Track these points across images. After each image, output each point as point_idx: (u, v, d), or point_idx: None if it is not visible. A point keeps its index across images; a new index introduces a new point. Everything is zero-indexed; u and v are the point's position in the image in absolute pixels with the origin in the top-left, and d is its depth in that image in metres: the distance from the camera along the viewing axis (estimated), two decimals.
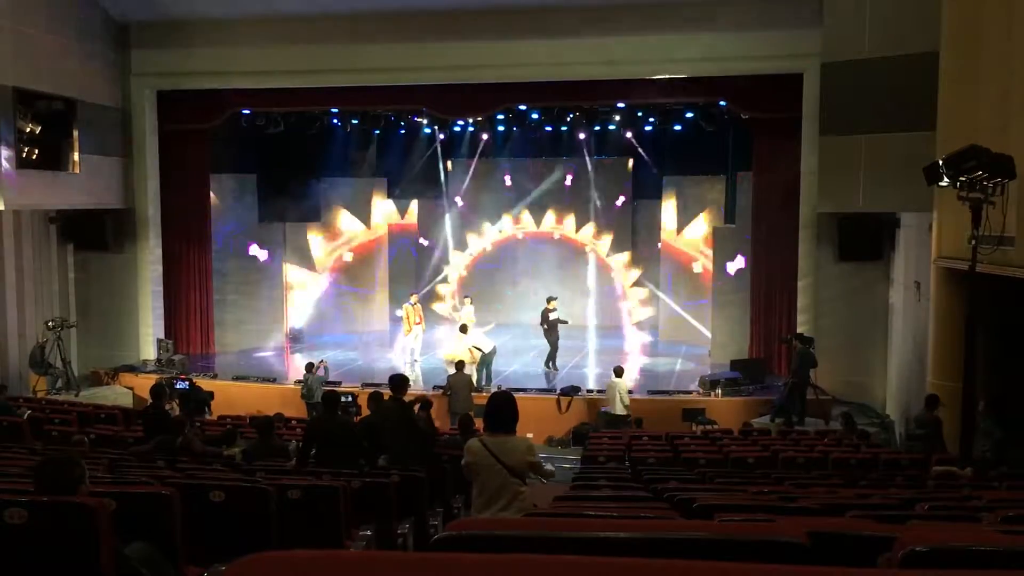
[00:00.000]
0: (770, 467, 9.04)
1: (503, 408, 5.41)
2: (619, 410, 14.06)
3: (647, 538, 2.18)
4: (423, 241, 23.30)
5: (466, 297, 19.46)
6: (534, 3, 16.14)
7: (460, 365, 14.60)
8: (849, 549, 3.12)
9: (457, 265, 23.12)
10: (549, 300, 17.74)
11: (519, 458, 5.23)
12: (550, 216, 22.65)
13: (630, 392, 14.49)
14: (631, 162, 21.69)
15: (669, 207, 20.97)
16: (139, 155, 17.92)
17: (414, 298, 19.16)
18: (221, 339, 19.62)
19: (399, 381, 8.84)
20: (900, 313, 14.81)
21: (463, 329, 16.70)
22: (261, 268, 20.40)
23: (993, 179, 8.29)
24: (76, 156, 16.40)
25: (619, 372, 14.43)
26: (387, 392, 9.47)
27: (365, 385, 15.40)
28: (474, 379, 15.37)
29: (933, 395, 11.00)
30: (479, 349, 16.27)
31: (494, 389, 14.34)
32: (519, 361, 18.24)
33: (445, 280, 23.13)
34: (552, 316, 17.45)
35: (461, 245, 23.06)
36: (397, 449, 8.23)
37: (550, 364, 17.58)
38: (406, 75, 17.01)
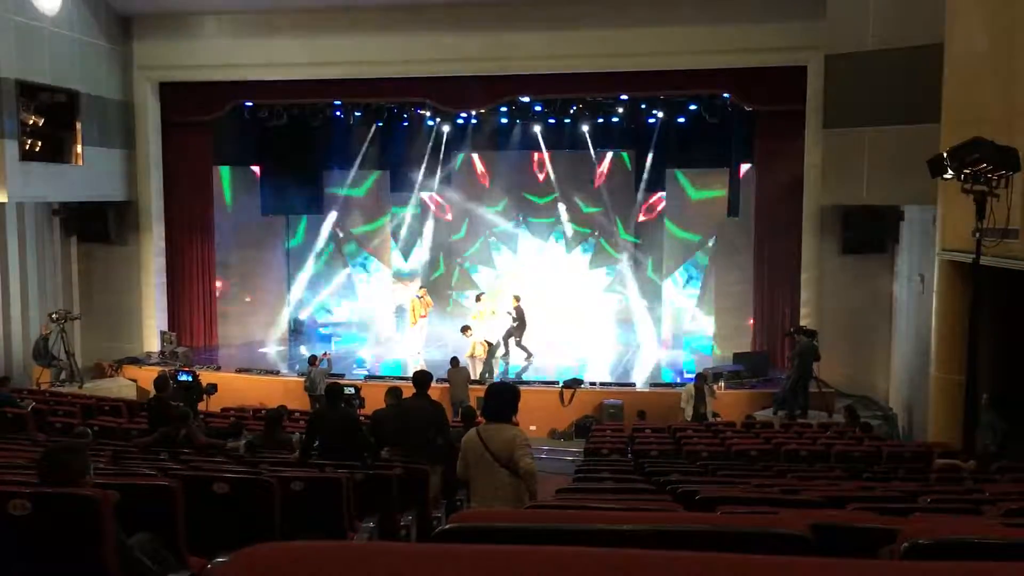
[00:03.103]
0: (773, 460, 9.05)
1: (498, 397, 5.47)
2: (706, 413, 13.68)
3: (650, 530, 2.18)
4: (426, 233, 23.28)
5: (481, 294, 19.34)
6: None
7: (455, 361, 14.79)
8: (851, 541, 3.11)
9: (461, 260, 23.09)
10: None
11: (503, 445, 5.25)
12: (552, 209, 22.59)
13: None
14: (634, 154, 21.64)
15: (673, 199, 20.92)
16: (142, 147, 17.94)
17: (421, 290, 19.17)
18: (224, 331, 19.65)
19: (423, 378, 8.67)
20: (904, 306, 14.79)
21: (464, 330, 16.62)
22: (264, 260, 20.41)
23: (997, 171, 8.27)
24: (79, 148, 16.42)
25: (705, 377, 14.11)
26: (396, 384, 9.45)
27: (368, 378, 15.42)
28: (476, 372, 15.42)
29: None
30: (489, 343, 16.41)
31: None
32: (523, 355, 18.22)
33: (448, 277, 23.12)
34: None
35: (462, 238, 23.03)
36: (418, 446, 8.19)
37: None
38: (409, 67, 17.00)
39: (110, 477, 4.89)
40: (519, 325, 17.62)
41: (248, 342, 19.69)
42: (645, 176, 21.57)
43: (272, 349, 19.36)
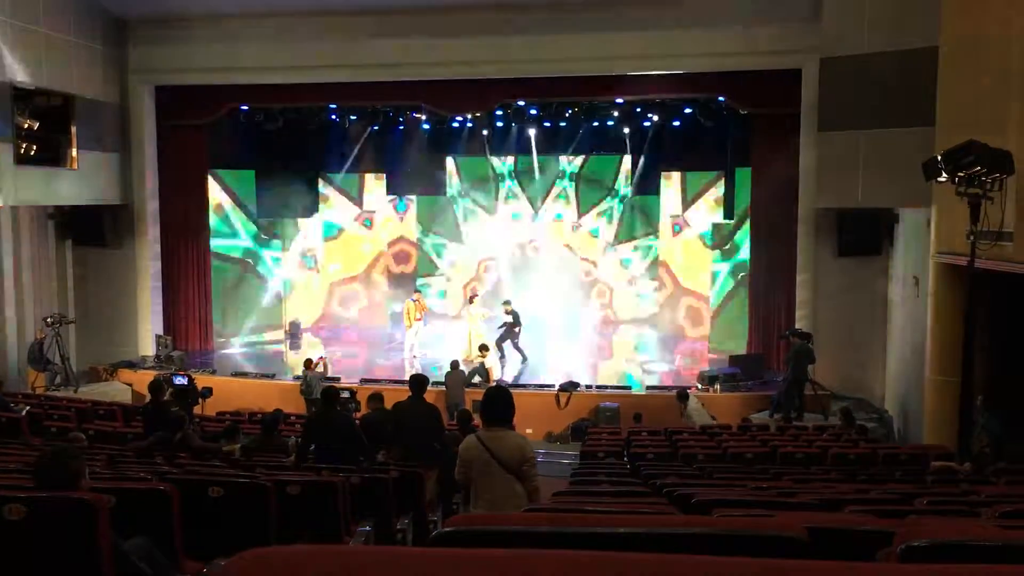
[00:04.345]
0: (769, 462, 9.04)
1: (496, 401, 5.45)
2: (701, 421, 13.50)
3: (646, 533, 2.18)
4: (421, 237, 23.29)
5: (475, 296, 19.33)
6: None
7: (455, 364, 14.71)
8: (848, 544, 3.12)
9: (456, 262, 23.08)
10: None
11: (511, 453, 5.23)
12: (549, 211, 22.62)
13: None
14: (630, 158, 21.65)
15: (668, 203, 20.96)
16: (137, 151, 17.90)
17: (416, 294, 19.15)
18: (220, 335, 19.60)
19: (420, 381, 8.71)
20: (899, 308, 14.82)
21: (482, 350, 16.42)
22: (260, 264, 20.39)
23: (991, 174, 8.31)
24: (74, 152, 16.39)
25: (682, 396, 13.98)
26: (383, 389, 9.44)
27: (364, 381, 15.40)
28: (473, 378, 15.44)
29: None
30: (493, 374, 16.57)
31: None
32: (518, 357, 18.22)
33: (446, 278, 23.12)
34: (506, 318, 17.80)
35: (460, 241, 23.03)
36: (414, 448, 8.19)
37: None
38: (405, 71, 17.00)
39: (106, 481, 4.88)
40: (517, 329, 17.66)
41: (244, 345, 19.65)
42: (640, 179, 21.59)
43: (268, 353, 19.32)
